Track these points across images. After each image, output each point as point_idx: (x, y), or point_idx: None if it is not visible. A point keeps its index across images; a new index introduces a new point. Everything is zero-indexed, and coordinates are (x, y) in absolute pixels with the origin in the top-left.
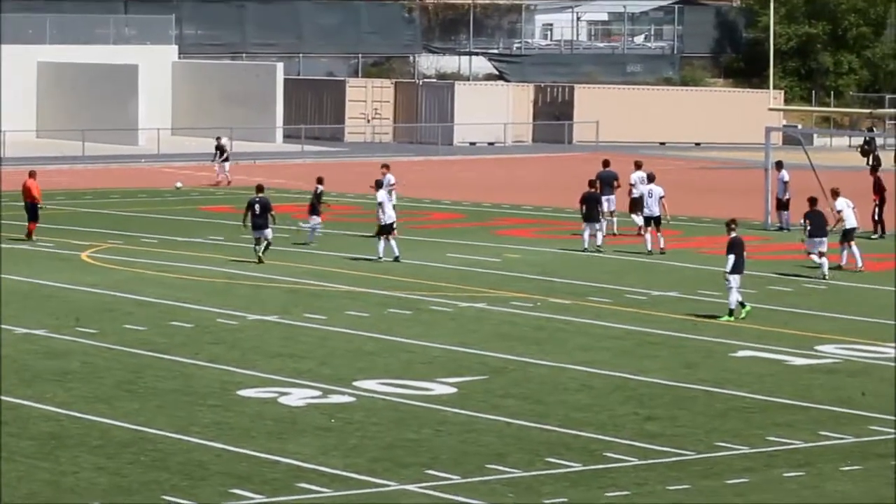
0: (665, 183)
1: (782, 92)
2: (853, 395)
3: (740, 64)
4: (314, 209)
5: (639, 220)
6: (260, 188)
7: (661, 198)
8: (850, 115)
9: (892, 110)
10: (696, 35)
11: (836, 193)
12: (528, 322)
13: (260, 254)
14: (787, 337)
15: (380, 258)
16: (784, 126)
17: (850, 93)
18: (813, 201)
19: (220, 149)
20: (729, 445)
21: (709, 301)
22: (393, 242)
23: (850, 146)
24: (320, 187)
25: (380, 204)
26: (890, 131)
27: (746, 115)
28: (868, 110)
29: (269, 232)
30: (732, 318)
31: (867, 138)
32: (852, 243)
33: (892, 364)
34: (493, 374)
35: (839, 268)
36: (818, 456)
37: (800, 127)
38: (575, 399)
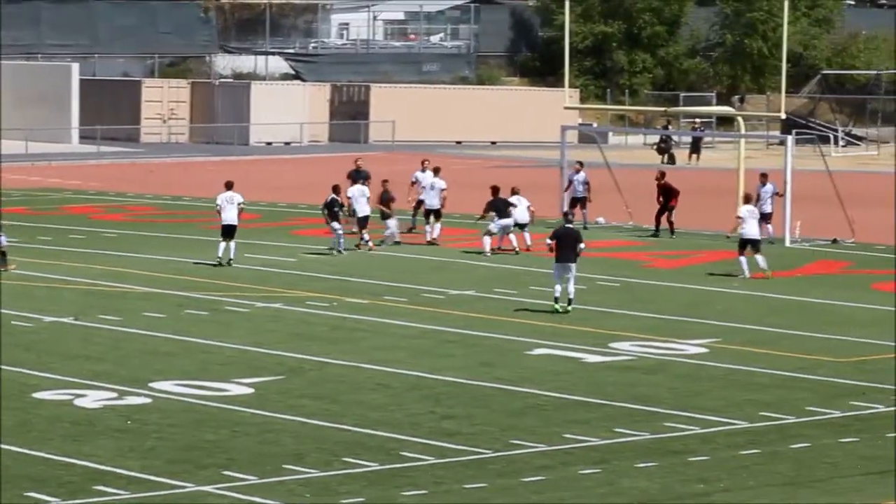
0: (462, 182)
1: (578, 90)
2: (648, 392)
3: (536, 63)
4: (335, 217)
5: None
6: None
7: (441, 190)
8: (645, 113)
9: (687, 108)
10: (492, 34)
11: (747, 199)
12: (324, 322)
13: None
14: (583, 335)
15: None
16: (580, 124)
17: (645, 91)
18: (495, 190)
19: None
20: (526, 443)
21: (505, 299)
22: (232, 244)
23: (644, 144)
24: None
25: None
26: (685, 129)
27: (542, 113)
28: (663, 108)
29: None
30: (557, 309)
31: (663, 136)
32: (757, 254)
33: (688, 360)
34: (290, 375)
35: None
36: (614, 453)
37: (595, 125)
38: (371, 398)
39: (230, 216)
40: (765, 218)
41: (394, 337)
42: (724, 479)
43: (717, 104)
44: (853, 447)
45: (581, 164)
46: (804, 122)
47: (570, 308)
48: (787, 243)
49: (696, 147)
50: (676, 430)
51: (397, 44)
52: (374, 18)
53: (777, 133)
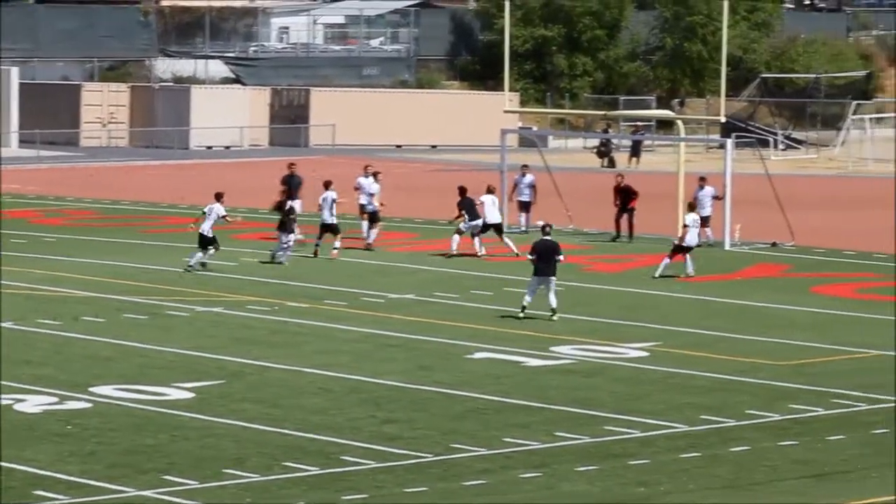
0: (402, 186)
1: (518, 94)
2: (589, 396)
3: (476, 66)
4: (286, 226)
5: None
6: None
7: (370, 195)
8: (585, 116)
9: (627, 112)
10: (431, 38)
11: (691, 207)
12: (264, 326)
13: None
14: (524, 338)
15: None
16: (520, 128)
17: (585, 95)
18: (462, 190)
19: None
20: (466, 447)
21: (445, 303)
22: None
23: (584, 148)
24: (290, 203)
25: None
26: (625, 133)
27: (482, 117)
28: (602, 112)
29: None
30: (522, 316)
31: (602, 140)
32: (687, 256)
33: (628, 364)
34: (231, 379)
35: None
36: (555, 456)
37: (535, 129)
38: (312, 403)
39: (207, 226)
40: (704, 221)
41: (334, 341)
42: (664, 483)
43: (657, 108)
44: (792, 450)
45: (527, 166)
46: (744, 125)
47: (555, 318)
48: (727, 246)
49: (635, 150)
50: (617, 434)
51: (337, 48)
52: (314, 22)
53: (717, 136)
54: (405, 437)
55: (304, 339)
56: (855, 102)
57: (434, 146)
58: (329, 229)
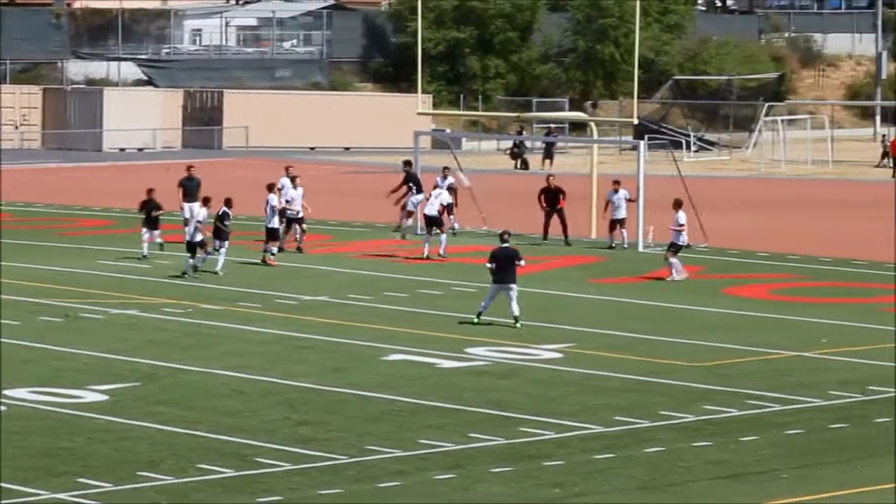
0: (315, 188)
1: (431, 96)
2: (503, 397)
3: (389, 69)
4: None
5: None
6: None
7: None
8: (498, 118)
9: (540, 114)
10: (344, 40)
11: (678, 204)
12: (179, 328)
13: None
14: (438, 340)
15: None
16: (433, 130)
17: (498, 97)
18: (408, 163)
19: None
20: (381, 449)
21: (359, 305)
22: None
23: (498, 149)
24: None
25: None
26: (538, 135)
27: (395, 119)
28: (515, 114)
29: None
30: (477, 321)
31: (516, 142)
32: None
33: (542, 366)
34: (145, 381)
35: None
36: (469, 458)
37: (448, 131)
38: (226, 405)
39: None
40: (619, 223)
41: (249, 343)
42: (578, 484)
43: (570, 110)
44: (706, 451)
45: (448, 168)
46: (656, 127)
47: (519, 325)
48: (640, 248)
49: (548, 153)
50: (531, 435)
51: (250, 50)
52: (227, 24)
53: (629, 138)
54: (320, 439)
55: (218, 341)
56: (767, 104)
57: (347, 148)
58: (272, 234)
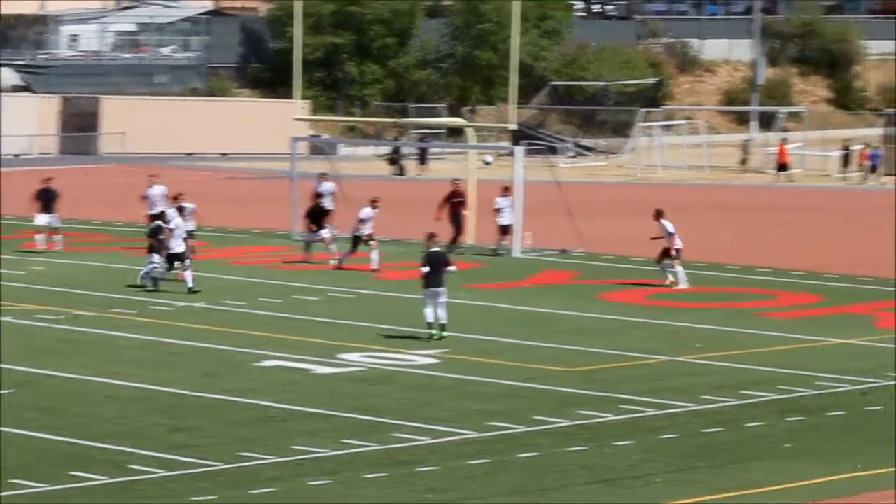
0: (192, 193)
1: (309, 102)
2: (377, 403)
3: (267, 74)
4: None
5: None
6: None
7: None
8: (376, 124)
9: (417, 119)
10: (222, 46)
11: (659, 214)
12: (52, 334)
13: None
14: (312, 346)
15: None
16: (310, 136)
17: (376, 102)
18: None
19: None
20: (255, 455)
21: (233, 311)
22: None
23: (375, 155)
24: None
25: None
26: (413, 140)
27: (273, 125)
28: (393, 120)
29: None
30: (433, 335)
31: (393, 147)
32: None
33: (417, 371)
34: (18, 388)
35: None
36: (344, 464)
37: (326, 136)
38: (99, 411)
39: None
40: (504, 230)
41: (122, 349)
42: (453, 489)
43: (448, 115)
44: (581, 456)
45: (325, 174)
46: (534, 132)
47: (444, 334)
48: (517, 253)
49: (422, 158)
50: (406, 441)
51: (128, 55)
52: (105, 30)
53: (507, 144)
54: (194, 445)
55: (92, 347)
56: (644, 110)
57: (225, 154)
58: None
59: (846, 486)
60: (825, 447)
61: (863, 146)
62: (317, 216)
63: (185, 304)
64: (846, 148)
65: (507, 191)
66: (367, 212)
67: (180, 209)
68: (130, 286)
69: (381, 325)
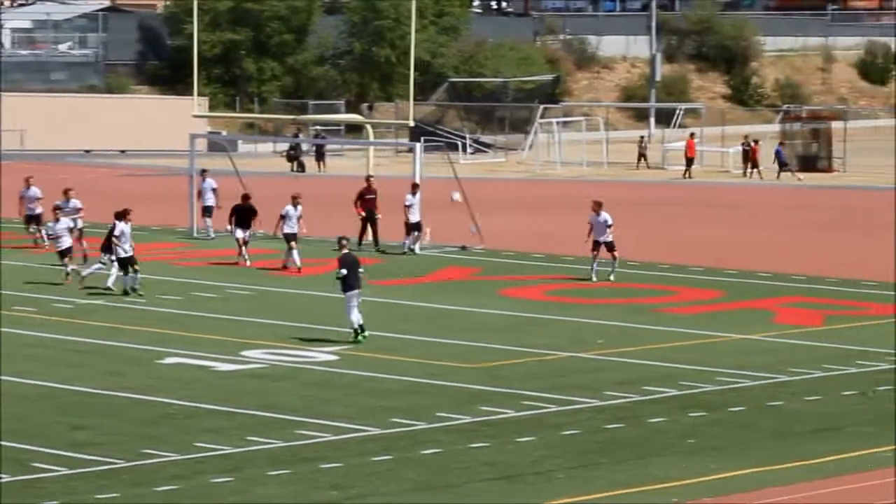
0: (91, 191)
1: (207, 99)
2: (279, 400)
3: (165, 71)
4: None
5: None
6: None
7: (37, 199)
8: (275, 121)
9: (316, 116)
10: (120, 42)
11: (598, 205)
12: None
13: None
14: (214, 343)
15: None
16: (209, 133)
17: (274, 99)
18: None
19: None
20: (158, 452)
21: (134, 308)
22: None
23: (274, 152)
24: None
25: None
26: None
27: (172, 122)
28: (292, 116)
29: None
30: (360, 339)
31: (292, 144)
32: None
33: (318, 368)
34: None
35: None
36: (247, 461)
37: (224, 133)
38: (1, 409)
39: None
40: (415, 227)
41: (24, 347)
42: (356, 486)
43: (346, 112)
44: (483, 452)
45: (206, 171)
46: (433, 129)
47: (365, 335)
48: (418, 250)
49: (319, 155)
50: (308, 438)
51: (24, 52)
52: (1, 27)
53: (406, 140)
54: (96, 443)
55: None
56: (542, 106)
57: (123, 151)
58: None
59: (748, 481)
60: (727, 443)
61: (754, 142)
62: (242, 216)
63: (85, 301)
64: (746, 144)
65: (415, 188)
66: (289, 210)
67: (57, 209)
68: (29, 283)
69: (281, 322)
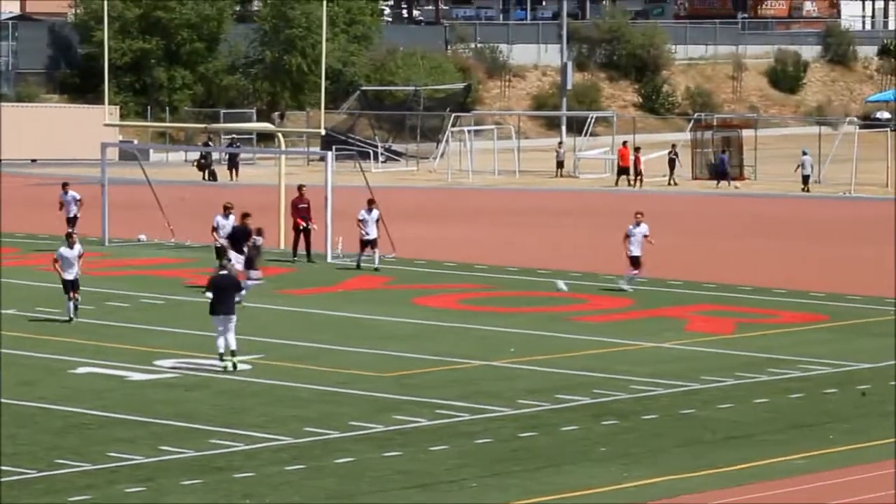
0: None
1: (118, 107)
2: (192, 409)
3: (76, 80)
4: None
5: None
6: None
7: None
8: (186, 130)
9: (228, 125)
10: (30, 51)
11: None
12: None
13: None
14: (127, 353)
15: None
16: (120, 142)
17: (186, 108)
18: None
19: None
20: (70, 462)
21: (46, 318)
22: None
23: (186, 161)
24: (260, 239)
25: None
26: (222, 146)
27: (83, 130)
28: (203, 125)
29: None
30: (226, 364)
31: (203, 153)
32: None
33: (231, 377)
34: None
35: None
36: (160, 471)
37: (136, 142)
38: None
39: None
40: (369, 244)
41: None
42: (269, 495)
43: (257, 120)
44: (396, 461)
45: (67, 183)
46: (344, 138)
47: (237, 360)
48: (329, 259)
49: (233, 163)
50: (221, 447)
51: None
52: None
53: (317, 149)
54: (8, 454)
55: None
56: (454, 115)
57: (34, 160)
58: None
59: (661, 489)
60: (640, 450)
61: (636, 150)
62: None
63: None
64: (673, 153)
65: (371, 204)
66: (219, 220)
67: None
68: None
69: (193, 332)
